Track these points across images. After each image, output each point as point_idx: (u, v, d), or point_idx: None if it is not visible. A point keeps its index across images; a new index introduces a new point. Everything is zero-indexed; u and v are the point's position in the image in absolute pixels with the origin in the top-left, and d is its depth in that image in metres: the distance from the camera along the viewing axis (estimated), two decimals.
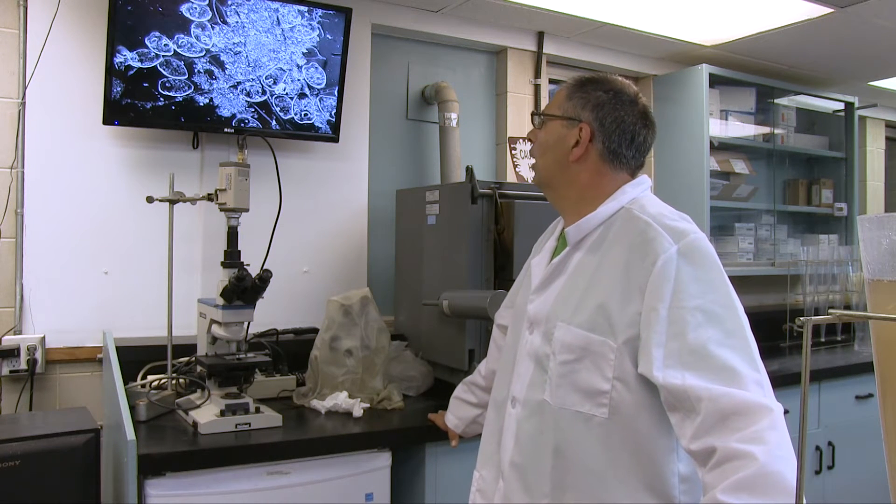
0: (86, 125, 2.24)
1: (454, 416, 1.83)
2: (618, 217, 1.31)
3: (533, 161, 1.45)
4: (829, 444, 2.99)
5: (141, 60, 2.19)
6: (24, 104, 2.19)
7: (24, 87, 2.18)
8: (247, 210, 2.02)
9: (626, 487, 1.22)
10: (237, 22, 2.31)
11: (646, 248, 1.21)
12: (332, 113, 2.52)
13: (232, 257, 2.01)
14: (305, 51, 2.43)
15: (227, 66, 2.32)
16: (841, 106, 3.98)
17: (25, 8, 2.18)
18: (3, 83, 2.17)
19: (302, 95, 2.46)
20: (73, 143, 2.24)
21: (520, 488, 1.31)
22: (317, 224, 2.62)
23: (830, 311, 0.72)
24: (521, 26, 3.04)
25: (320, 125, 2.51)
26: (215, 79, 2.30)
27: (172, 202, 2.08)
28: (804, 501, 0.65)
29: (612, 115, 1.35)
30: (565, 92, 1.39)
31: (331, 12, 2.45)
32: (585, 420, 1.24)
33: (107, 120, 2.19)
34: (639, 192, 1.35)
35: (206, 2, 2.25)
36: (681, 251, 1.19)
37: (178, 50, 2.23)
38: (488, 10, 2.83)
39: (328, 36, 2.46)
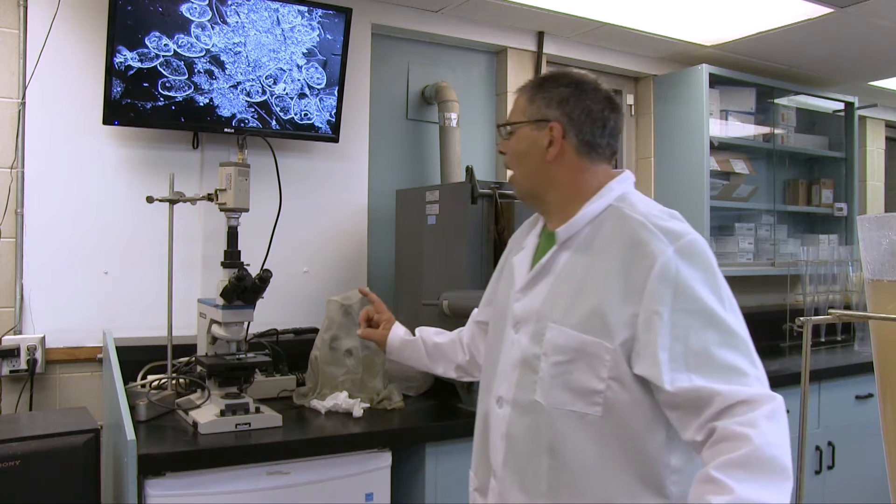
0: (86, 125, 2.24)
1: (400, 334, 1.73)
2: (607, 215, 1.30)
3: (511, 173, 1.43)
4: (829, 444, 3.00)
5: (141, 60, 2.19)
6: (24, 104, 2.19)
7: (24, 87, 2.18)
8: (247, 210, 2.02)
9: (620, 481, 1.24)
10: (237, 22, 2.31)
11: (642, 249, 1.21)
12: (332, 113, 2.52)
13: (232, 257, 2.01)
14: (305, 51, 2.43)
15: (227, 66, 2.32)
16: (841, 106, 3.98)
17: (25, 8, 2.18)
18: (3, 83, 2.17)
19: (302, 95, 2.46)
20: (73, 143, 2.24)
21: (516, 488, 1.31)
22: (317, 224, 2.62)
23: (830, 311, 0.73)
24: (521, 26, 3.04)
25: (320, 125, 2.51)
26: (215, 79, 2.30)
27: (172, 202, 2.09)
28: (804, 501, 0.65)
29: (578, 106, 1.32)
30: (526, 95, 1.37)
31: (331, 12, 2.45)
32: (579, 418, 1.24)
33: (107, 120, 2.19)
34: (624, 188, 1.34)
35: (206, 2, 2.25)
36: (678, 252, 1.19)
37: (178, 50, 2.23)
38: (488, 10, 2.83)
39: (328, 36, 2.46)
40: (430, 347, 1.71)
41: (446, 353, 1.70)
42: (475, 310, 1.72)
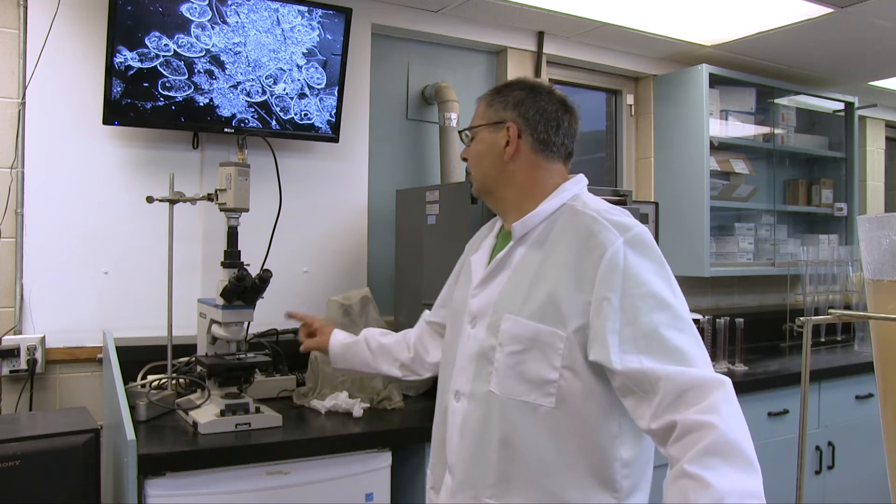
0: (86, 125, 2.24)
1: (340, 339, 1.80)
2: (561, 213, 1.36)
3: (471, 174, 1.50)
4: (829, 444, 2.99)
5: (141, 60, 2.19)
6: (24, 104, 2.19)
7: (24, 87, 2.18)
8: (247, 210, 2.02)
9: (571, 474, 1.26)
10: (237, 22, 2.31)
11: (593, 240, 1.27)
12: (332, 113, 2.52)
13: (232, 257, 2.01)
14: (305, 51, 2.43)
15: (227, 66, 2.32)
16: (841, 106, 3.98)
17: (25, 8, 2.18)
18: (3, 83, 2.17)
19: (302, 95, 2.46)
20: (73, 143, 2.24)
21: (466, 482, 1.34)
22: (317, 224, 2.62)
23: (830, 311, 0.72)
24: (521, 26, 3.04)
25: (320, 125, 2.51)
26: (215, 79, 2.30)
27: (172, 202, 2.09)
28: (804, 501, 0.65)
29: (533, 107, 1.40)
30: (485, 102, 1.47)
31: (331, 12, 2.45)
32: (532, 410, 1.28)
33: (107, 120, 2.19)
34: (578, 189, 1.41)
35: (206, 2, 2.25)
36: (627, 242, 1.25)
37: (178, 50, 2.23)
38: (488, 10, 2.83)
39: (328, 36, 2.46)
40: (374, 347, 1.76)
41: (391, 352, 1.76)
42: (425, 311, 1.79)
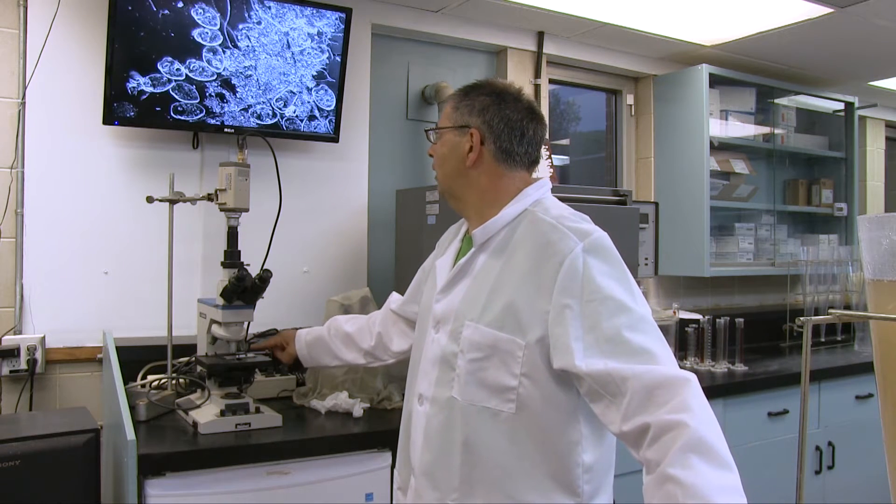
0: (86, 125, 2.24)
1: (302, 344, 1.94)
2: (522, 219, 1.36)
3: (436, 174, 1.51)
4: (829, 444, 3.00)
5: (153, 85, 2.19)
6: (24, 104, 2.19)
7: (24, 87, 2.18)
8: (247, 210, 2.02)
9: (532, 479, 1.27)
10: (248, 46, 2.31)
11: (552, 248, 1.27)
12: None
13: (232, 257, 2.01)
14: (315, 73, 2.44)
15: (238, 89, 2.32)
16: (841, 106, 3.98)
17: (25, 8, 2.18)
18: (3, 83, 2.17)
19: (312, 118, 2.47)
20: (73, 143, 2.24)
21: (429, 485, 1.35)
22: (317, 224, 2.62)
23: (830, 311, 0.72)
24: (521, 26, 3.04)
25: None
26: (226, 102, 2.31)
27: (172, 202, 2.09)
28: (804, 501, 0.65)
29: (498, 115, 1.39)
30: (453, 103, 1.45)
31: (338, 19, 2.45)
32: (493, 415, 1.28)
33: (107, 120, 2.19)
34: (540, 194, 1.40)
35: (218, 26, 2.25)
36: (585, 248, 1.25)
37: (190, 74, 2.24)
38: (488, 10, 2.83)
39: (336, 58, 2.47)
40: (337, 338, 1.86)
41: (355, 341, 1.84)
42: (393, 293, 1.85)
